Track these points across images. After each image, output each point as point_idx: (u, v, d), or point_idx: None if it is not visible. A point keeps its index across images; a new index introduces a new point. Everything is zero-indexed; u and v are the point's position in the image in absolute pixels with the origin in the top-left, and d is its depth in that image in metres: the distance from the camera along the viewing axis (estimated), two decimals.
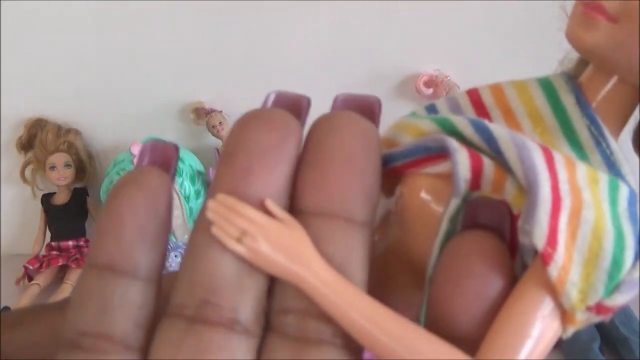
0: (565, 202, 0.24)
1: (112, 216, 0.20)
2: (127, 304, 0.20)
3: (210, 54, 1.14)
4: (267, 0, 1.09)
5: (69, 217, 1.20)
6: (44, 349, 0.25)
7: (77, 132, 1.20)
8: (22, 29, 1.16)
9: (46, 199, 1.21)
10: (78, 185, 1.23)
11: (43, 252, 1.20)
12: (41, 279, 1.11)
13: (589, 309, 0.24)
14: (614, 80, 0.28)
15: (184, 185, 1.10)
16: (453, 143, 0.25)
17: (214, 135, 1.13)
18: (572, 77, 0.31)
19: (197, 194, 1.12)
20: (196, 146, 1.18)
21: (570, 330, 0.26)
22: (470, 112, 0.31)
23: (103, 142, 1.24)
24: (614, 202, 0.26)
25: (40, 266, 1.13)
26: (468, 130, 0.26)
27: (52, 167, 1.18)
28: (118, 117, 1.20)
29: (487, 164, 0.24)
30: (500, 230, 0.23)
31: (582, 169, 0.26)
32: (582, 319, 0.24)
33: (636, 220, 0.26)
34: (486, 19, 1.08)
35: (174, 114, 1.19)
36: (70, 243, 1.18)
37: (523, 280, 0.23)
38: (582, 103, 0.29)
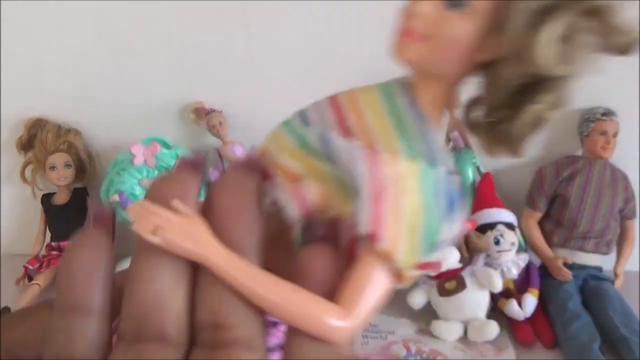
0: (387, 193, 0.34)
1: (67, 271, 0.27)
2: (87, 334, 0.26)
3: (210, 54, 1.14)
4: (268, 1, 1.09)
5: (69, 217, 1.20)
6: (31, 346, 0.30)
7: (77, 132, 1.20)
8: (22, 29, 1.16)
9: (46, 199, 1.21)
10: (78, 185, 1.23)
11: (43, 252, 1.20)
12: (41, 279, 1.11)
13: (415, 267, 0.35)
14: (433, 82, 0.39)
15: None
16: (282, 196, 0.34)
17: (214, 135, 1.13)
18: (407, 82, 0.41)
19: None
20: (196, 146, 1.19)
21: (405, 284, 0.36)
22: (330, 116, 0.40)
23: (103, 142, 1.24)
24: (427, 185, 0.35)
25: (40, 266, 1.13)
26: (317, 145, 0.37)
27: (52, 167, 1.18)
28: (118, 117, 1.20)
29: (311, 198, 0.35)
30: (335, 240, 0.29)
31: (403, 164, 0.36)
32: (411, 275, 0.35)
33: (444, 196, 0.36)
34: None
35: (174, 114, 1.19)
36: None
37: (359, 255, 0.34)
38: (413, 105, 0.39)
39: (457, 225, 0.37)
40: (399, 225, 0.34)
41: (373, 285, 0.34)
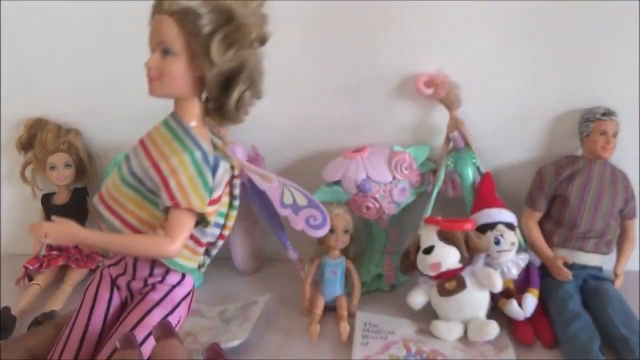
0: (169, 180, 0.61)
1: None
2: None
3: None
4: (267, 1, 1.09)
5: (69, 217, 1.17)
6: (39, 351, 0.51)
7: (77, 132, 1.21)
8: (22, 29, 1.16)
9: (46, 199, 1.21)
10: (78, 185, 1.23)
11: (43, 252, 1.20)
12: (41, 279, 1.11)
13: (208, 204, 0.62)
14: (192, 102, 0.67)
15: None
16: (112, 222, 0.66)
17: (214, 135, 1.13)
18: (175, 110, 0.66)
19: None
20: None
21: (208, 215, 0.63)
22: (140, 148, 0.66)
23: (103, 142, 1.24)
24: (196, 160, 0.62)
25: (40, 266, 1.13)
26: (129, 177, 0.64)
27: (52, 167, 1.18)
28: (118, 117, 1.20)
29: (131, 221, 0.65)
30: None
31: (179, 155, 0.62)
32: (209, 210, 0.62)
33: (207, 163, 0.63)
34: (486, 19, 1.08)
35: None
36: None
37: (171, 210, 0.61)
38: (178, 121, 0.65)
39: (218, 177, 0.64)
40: (185, 190, 0.60)
41: (185, 222, 0.61)
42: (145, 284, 0.67)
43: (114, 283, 0.68)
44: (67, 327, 0.64)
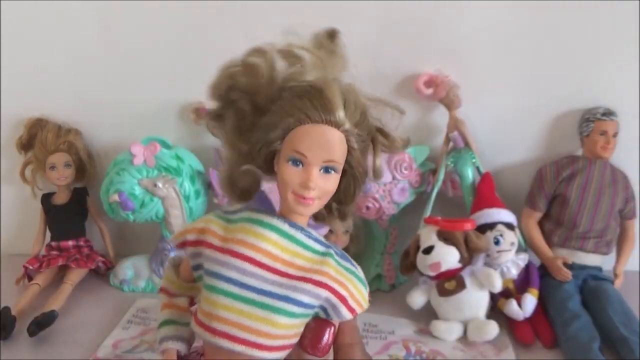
0: (338, 289, 0.61)
1: None
2: None
3: (210, 54, 1.14)
4: (268, 1, 1.09)
5: (69, 217, 1.20)
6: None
7: (77, 132, 1.20)
8: (22, 29, 1.16)
9: (46, 199, 1.21)
10: (78, 185, 1.23)
11: (43, 252, 1.20)
12: (41, 279, 1.10)
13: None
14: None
15: (184, 185, 1.10)
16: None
17: (214, 135, 1.13)
18: (281, 213, 0.64)
19: (197, 193, 1.12)
20: (196, 146, 1.18)
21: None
22: (249, 267, 0.60)
23: (103, 142, 1.24)
24: (339, 262, 0.62)
25: (40, 266, 1.13)
26: (288, 308, 0.60)
27: (52, 167, 1.18)
28: (118, 117, 1.20)
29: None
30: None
31: (326, 264, 0.61)
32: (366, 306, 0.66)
33: (347, 258, 0.65)
34: (486, 20, 1.08)
35: (174, 114, 1.19)
36: (70, 243, 1.18)
37: (345, 322, 0.64)
38: (294, 225, 0.61)
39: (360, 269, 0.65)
40: (357, 298, 0.62)
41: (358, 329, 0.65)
42: None
43: None
44: None
